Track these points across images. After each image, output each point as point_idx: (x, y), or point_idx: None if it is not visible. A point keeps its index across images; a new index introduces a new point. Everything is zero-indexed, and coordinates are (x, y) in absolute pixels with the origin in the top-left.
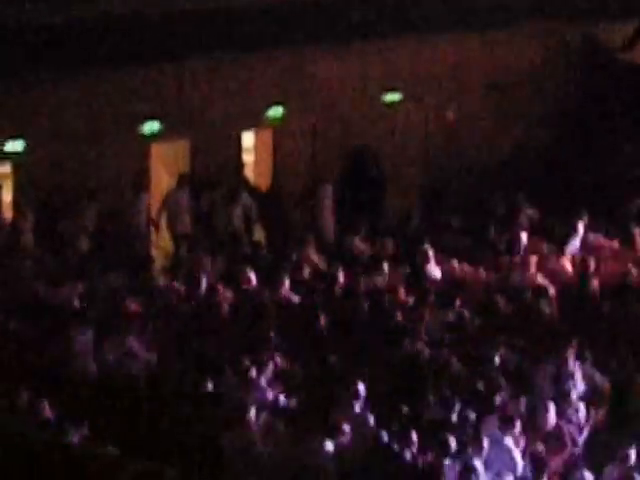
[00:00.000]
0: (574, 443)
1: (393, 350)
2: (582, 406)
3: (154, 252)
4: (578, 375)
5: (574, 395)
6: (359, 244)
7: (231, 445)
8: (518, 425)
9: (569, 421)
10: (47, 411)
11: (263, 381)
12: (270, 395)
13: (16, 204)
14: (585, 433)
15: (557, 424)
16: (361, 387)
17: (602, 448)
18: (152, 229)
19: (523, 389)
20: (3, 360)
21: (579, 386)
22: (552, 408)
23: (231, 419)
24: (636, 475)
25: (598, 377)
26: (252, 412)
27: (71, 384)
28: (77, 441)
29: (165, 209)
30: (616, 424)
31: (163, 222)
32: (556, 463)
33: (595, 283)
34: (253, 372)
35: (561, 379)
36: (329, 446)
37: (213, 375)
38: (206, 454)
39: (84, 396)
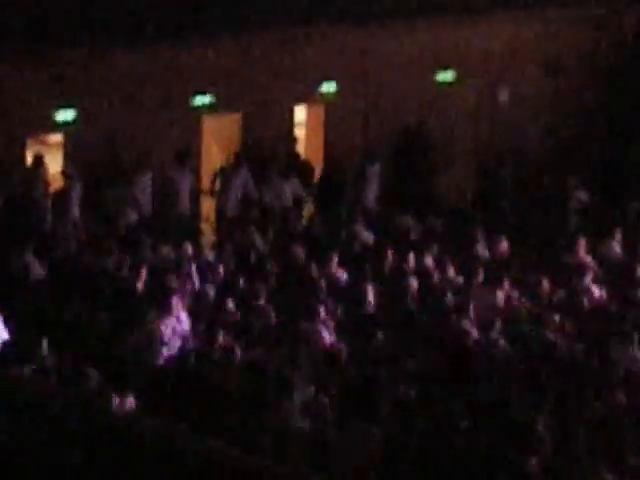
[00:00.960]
0: None
1: (441, 329)
2: None
3: (203, 226)
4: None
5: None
6: (408, 222)
7: (272, 421)
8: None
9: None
10: (94, 381)
11: (309, 356)
12: (316, 371)
13: (65, 174)
14: None
15: None
16: (409, 366)
17: None
18: (202, 203)
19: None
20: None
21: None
22: None
23: (275, 394)
24: None
25: None
26: (298, 387)
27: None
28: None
29: (216, 184)
30: None
31: (213, 197)
32: None
33: None
34: (299, 347)
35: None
36: (374, 428)
37: (258, 349)
38: (248, 430)
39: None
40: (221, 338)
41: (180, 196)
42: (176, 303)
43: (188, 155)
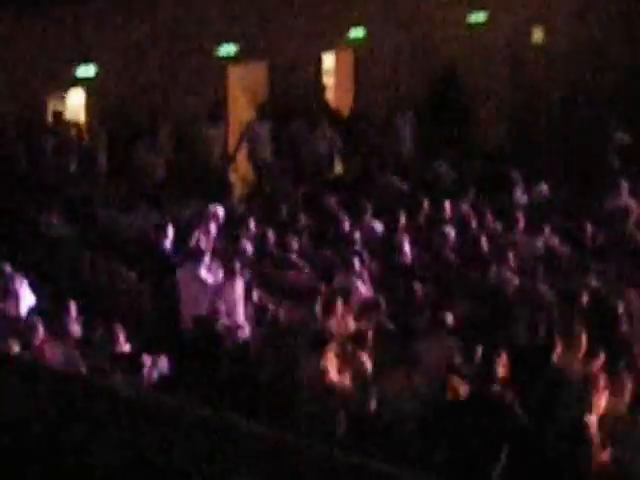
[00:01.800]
0: None
1: (481, 278)
2: None
3: (233, 180)
4: None
5: None
6: (443, 169)
7: (306, 377)
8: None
9: None
10: (123, 344)
11: (346, 310)
12: (353, 325)
13: (90, 130)
14: None
15: None
16: (448, 316)
17: None
18: (231, 157)
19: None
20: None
21: None
22: None
23: (309, 350)
24: None
25: None
26: (332, 343)
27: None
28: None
29: (245, 138)
30: None
31: (243, 150)
32: None
33: None
34: (336, 300)
35: None
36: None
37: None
38: (278, 386)
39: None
40: (255, 294)
41: (213, 152)
42: (205, 260)
43: (220, 111)
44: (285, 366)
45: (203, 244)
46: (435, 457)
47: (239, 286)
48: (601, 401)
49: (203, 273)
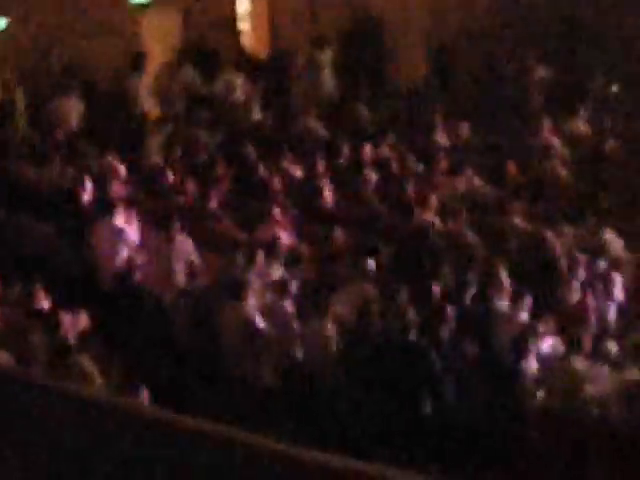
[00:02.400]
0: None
1: (403, 222)
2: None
3: (149, 130)
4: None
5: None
6: (362, 110)
7: (228, 321)
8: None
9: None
10: (41, 300)
11: (267, 259)
12: (275, 274)
13: (5, 84)
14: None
15: (582, 299)
16: (370, 263)
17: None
18: (147, 107)
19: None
20: None
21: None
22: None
23: (230, 295)
24: None
25: (618, 245)
26: (252, 289)
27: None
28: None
29: (161, 85)
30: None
31: (159, 100)
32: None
33: (611, 144)
34: (256, 250)
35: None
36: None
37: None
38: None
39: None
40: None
41: (131, 103)
42: (123, 213)
43: (140, 61)
44: (203, 315)
45: (118, 196)
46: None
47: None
48: (534, 345)
49: (119, 226)
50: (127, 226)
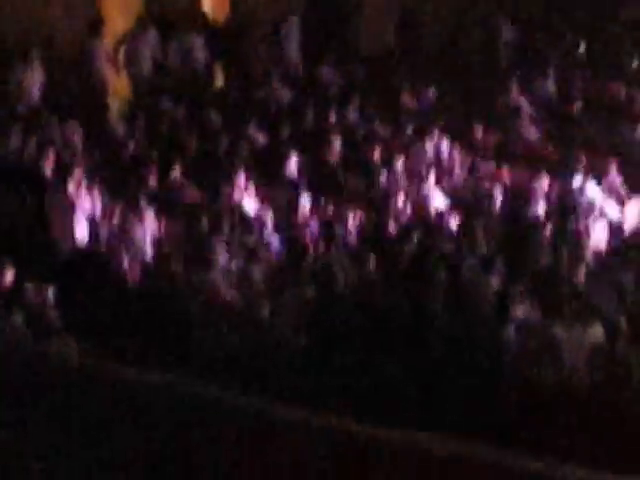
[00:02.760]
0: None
1: (370, 186)
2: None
3: (111, 100)
4: None
5: None
6: (327, 74)
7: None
8: None
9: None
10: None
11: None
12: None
13: None
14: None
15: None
16: (337, 228)
17: None
18: (108, 76)
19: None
20: None
21: None
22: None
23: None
24: None
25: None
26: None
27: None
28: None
29: (122, 54)
30: None
31: (120, 68)
32: None
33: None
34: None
35: None
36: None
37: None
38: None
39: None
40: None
41: (96, 67)
42: (83, 183)
43: (98, 27)
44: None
45: (80, 166)
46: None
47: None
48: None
49: (76, 196)
50: (87, 196)
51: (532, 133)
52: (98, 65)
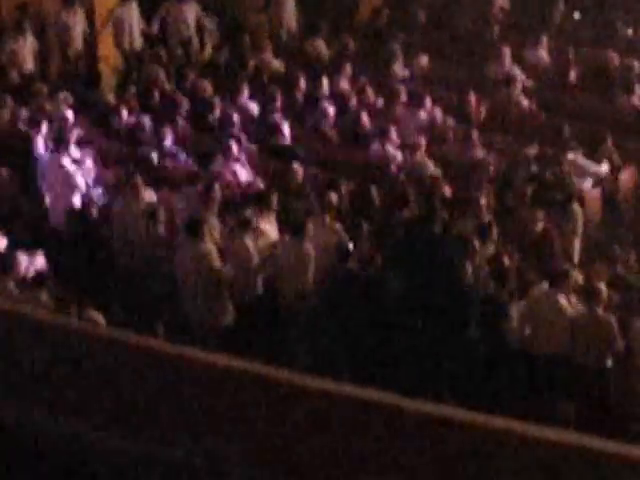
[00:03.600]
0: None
1: (364, 156)
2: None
3: (103, 69)
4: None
5: None
6: (320, 45)
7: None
8: None
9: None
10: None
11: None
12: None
13: None
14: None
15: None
16: (333, 197)
17: None
18: (99, 45)
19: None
20: None
21: None
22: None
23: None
24: None
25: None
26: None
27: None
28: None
29: (112, 24)
30: None
31: (111, 38)
32: None
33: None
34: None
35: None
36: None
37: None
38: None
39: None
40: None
41: (72, 38)
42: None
43: None
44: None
45: (73, 136)
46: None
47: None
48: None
49: (67, 164)
50: (82, 165)
51: (525, 101)
52: (77, 34)
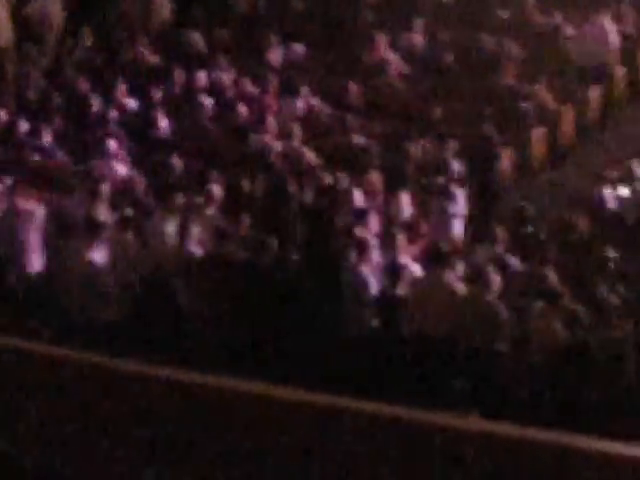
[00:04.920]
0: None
1: (241, 146)
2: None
3: None
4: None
5: None
6: (195, 36)
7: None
8: None
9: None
10: None
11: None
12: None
13: None
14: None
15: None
16: (215, 189)
17: None
18: None
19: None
20: None
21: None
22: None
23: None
24: None
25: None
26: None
27: None
28: None
29: None
30: None
31: None
32: None
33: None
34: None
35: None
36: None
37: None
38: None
39: None
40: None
41: None
42: None
43: None
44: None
45: None
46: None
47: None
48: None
49: None
50: None
51: (401, 86)
52: None
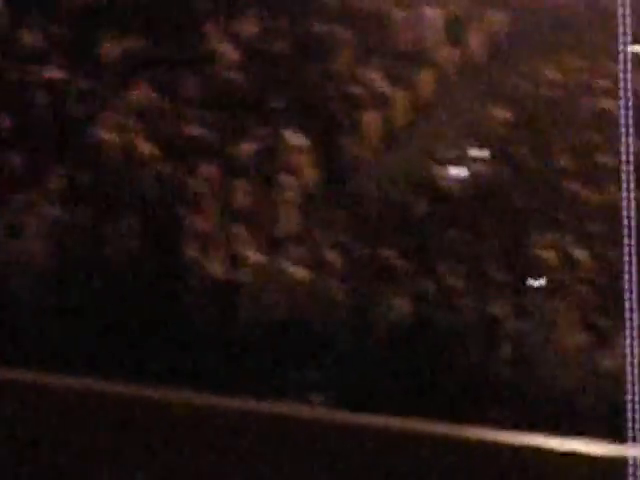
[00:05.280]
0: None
1: (75, 142)
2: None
3: None
4: None
5: None
6: (27, 34)
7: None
8: None
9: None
10: None
11: None
12: None
13: None
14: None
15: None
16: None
17: None
18: None
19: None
20: None
21: None
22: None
23: None
24: None
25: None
26: None
27: None
28: None
29: None
30: None
31: None
32: None
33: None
34: None
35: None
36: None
37: None
38: None
39: None
40: None
41: None
42: None
43: None
44: None
45: None
46: None
47: None
48: None
49: None
50: None
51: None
52: None
